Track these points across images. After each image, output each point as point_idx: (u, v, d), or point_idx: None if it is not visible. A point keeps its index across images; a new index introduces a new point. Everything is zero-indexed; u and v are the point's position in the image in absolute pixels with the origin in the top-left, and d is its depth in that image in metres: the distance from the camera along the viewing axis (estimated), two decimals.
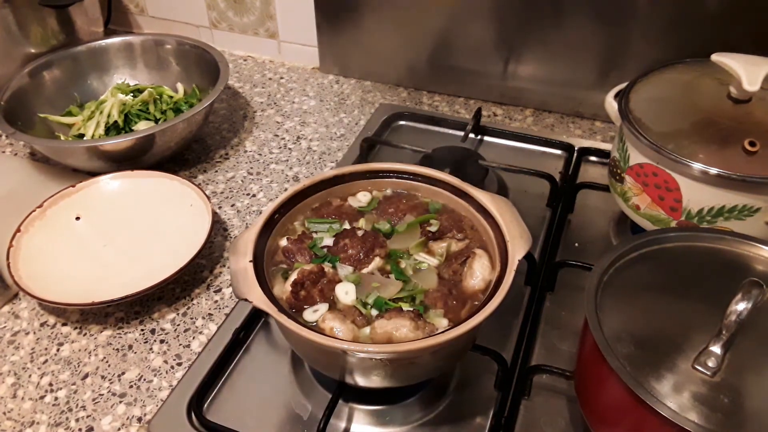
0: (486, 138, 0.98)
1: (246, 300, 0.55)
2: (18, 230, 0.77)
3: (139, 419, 0.64)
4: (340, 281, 0.60)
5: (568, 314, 0.71)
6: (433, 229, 0.65)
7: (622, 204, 0.74)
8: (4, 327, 0.73)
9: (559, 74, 1.00)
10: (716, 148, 0.64)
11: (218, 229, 0.85)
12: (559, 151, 0.95)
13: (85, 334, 0.72)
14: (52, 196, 0.82)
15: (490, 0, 0.96)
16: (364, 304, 0.58)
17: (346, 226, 0.66)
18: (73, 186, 0.83)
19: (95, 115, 0.96)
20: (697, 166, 0.63)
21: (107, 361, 0.69)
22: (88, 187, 0.84)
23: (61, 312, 0.74)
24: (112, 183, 0.85)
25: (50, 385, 0.67)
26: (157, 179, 0.85)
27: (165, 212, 0.82)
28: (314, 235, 0.65)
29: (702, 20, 0.87)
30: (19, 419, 0.64)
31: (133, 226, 0.82)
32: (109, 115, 0.95)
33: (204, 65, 1.01)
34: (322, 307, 0.58)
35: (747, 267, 0.56)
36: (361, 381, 0.57)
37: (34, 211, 0.80)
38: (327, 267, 0.61)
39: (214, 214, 0.81)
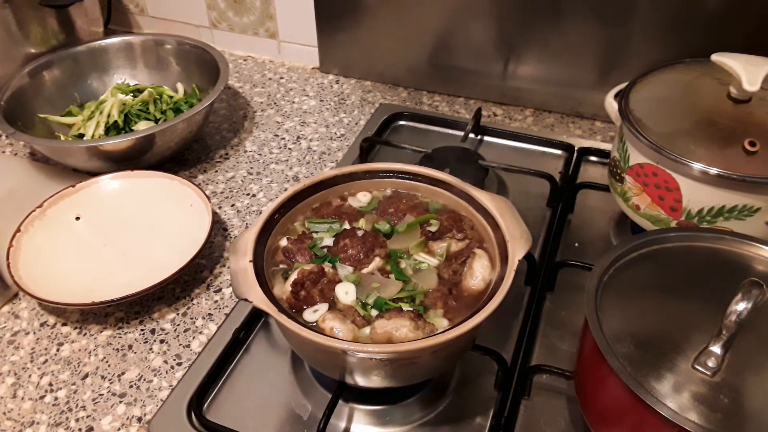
0: (486, 138, 0.98)
1: (246, 300, 0.55)
2: (18, 230, 0.77)
3: (139, 419, 0.64)
4: (340, 281, 0.60)
5: (568, 314, 0.71)
6: (433, 229, 0.65)
7: (622, 204, 0.74)
8: (4, 327, 0.73)
9: (559, 74, 1.00)
10: (716, 148, 0.64)
11: (218, 229, 0.85)
12: (559, 151, 0.95)
13: (85, 334, 0.72)
14: (52, 196, 0.82)
15: (490, 0, 0.96)
16: (364, 305, 0.58)
17: (346, 226, 0.66)
18: (73, 186, 0.83)
19: (95, 115, 0.96)
20: (697, 166, 0.63)
21: (107, 361, 0.69)
22: (88, 187, 0.84)
23: (61, 312, 0.74)
24: (112, 183, 0.85)
25: (50, 385, 0.67)
26: (157, 179, 0.85)
27: (165, 212, 0.82)
28: (314, 235, 0.65)
29: (702, 20, 0.87)
30: (19, 419, 0.64)
31: (133, 226, 0.82)
32: (109, 115, 0.95)
33: (204, 65, 1.01)
34: (322, 307, 0.58)
35: (747, 267, 0.56)
36: (361, 381, 0.57)
37: (33, 211, 0.80)
38: (327, 267, 0.61)
39: (214, 214, 0.81)
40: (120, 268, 0.77)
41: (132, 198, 0.84)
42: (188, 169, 0.96)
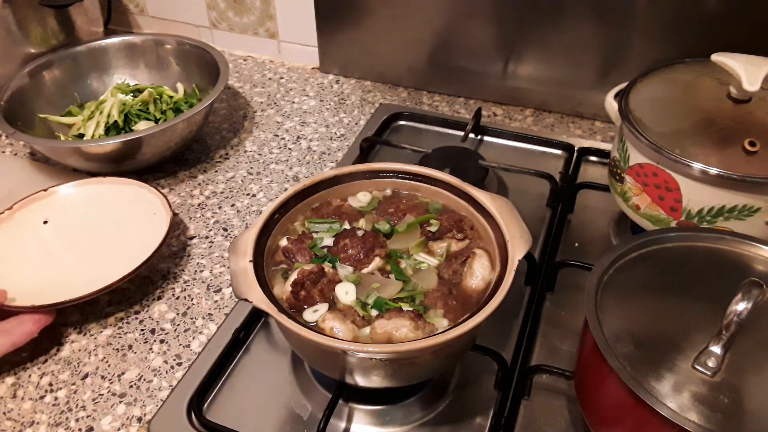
0: (486, 138, 0.98)
1: (246, 300, 0.55)
2: None
3: (139, 419, 0.64)
4: (340, 281, 0.60)
5: (568, 314, 0.71)
6: (433, 229, 0.65)
7: (622, 204, 0.74)
8: None
9: (559, 74, 1.00)
10: (716, 148, 0.64)
11: (218, 229, 0.85)
12: (559, 151, 0.95)
13: (85, 334, 0.72)
14: (22, 199, 0.81)
15: (491, 0, 0.96)
16: (364, 305, 0.58)
17: (346, 226, 0.66)
18: (45, 190, 0.83)
19: (95, 115, 0.96)
20: (697, 166, 0.63)
21: (107, 361, 0.69)
22: (56, 193, 0.83)
23: (61, 312, 0.74)
24: (82, 189, 0.84)
25: (50, 385, 0.67)
26: (128, 186, 0.84)
27: (129, 219, 0.81)
28: (314, 235, 0.65)
29: (702, 20, 0.87)
30: (18, 419, 0.64)
31: (96, 232, 0.80)
32: (109, 115, 0.95)
33: (204, 65, 1.01)
34: (322, 307, 0.58)
35: (747, 267, 0.56)
36: (361, 381, 0.57)
37: (2, 213, 0.79)
38: (327, 267, 0.61)
39: (172, 224, 0.78)
40: (76, 272, 0.75)
41: (99, 204, 0.83)
42: (188, 169, 0.96)
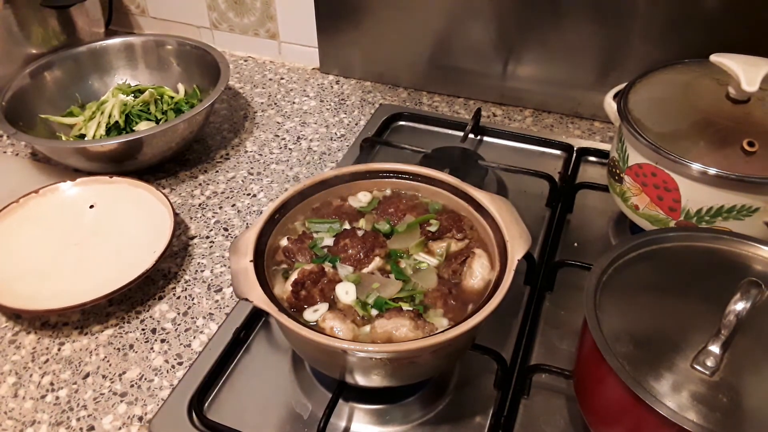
0: (485, 138, 0.98)
1: (246, 300, 0.55)
2: None
3: (140, 418, 0.64)
4: (340, 281, 0.60)
5: (568, 314, 0.72)
6: (433, 229, 0.65)
7: (621, 204, 0.75)
8: (6, 326, 0.74)
9: (559, 75, 1.00)
10: (715, 148, 0.65)
11: (219, 228, 0.86)
12: (558, 152, 0.95)
13: (86, 334, 0.72)
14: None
15: (490, 0, 0.97)
16: (364, 304, 0.58)
17: (347, 226, 0.66)
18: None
19: (96, 116, 0.96)
20: (696, 166, 0.63)
21: (108, 361, 0.69)
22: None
23: (63, 312, 0.74)
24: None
25: (51, 384, 0.67)
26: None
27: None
28: (314, 235, 0.65)
29: (701, 21, 0.87)
30: (20, 419, 0.64)
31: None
32: (110, 116, 0.95)
33: (205, 66, 1.01)
34: (323, 307, 0.58)
35: (745, 267, 0.57)
36: (361, 380, 0.58)
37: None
38: (327, 267, 0.61)
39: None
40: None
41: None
42: (189, 169, 0.96)
